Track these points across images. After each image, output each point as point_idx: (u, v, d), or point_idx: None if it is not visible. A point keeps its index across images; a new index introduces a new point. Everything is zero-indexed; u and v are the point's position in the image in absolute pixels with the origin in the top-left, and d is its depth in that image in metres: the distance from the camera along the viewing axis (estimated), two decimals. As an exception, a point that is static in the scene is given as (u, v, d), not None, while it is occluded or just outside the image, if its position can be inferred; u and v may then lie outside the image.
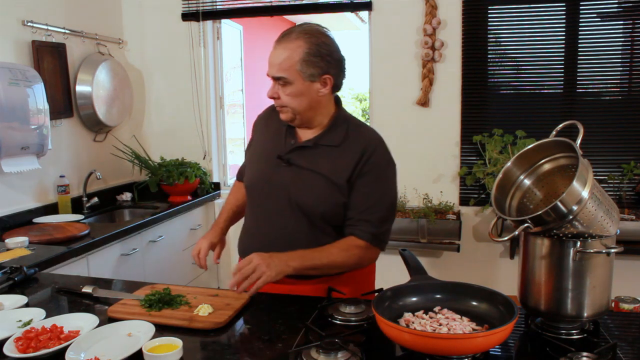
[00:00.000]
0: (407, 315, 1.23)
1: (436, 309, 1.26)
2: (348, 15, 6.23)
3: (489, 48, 3.09)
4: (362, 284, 1.64)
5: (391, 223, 1.62)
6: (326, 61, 1.50)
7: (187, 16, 3.46)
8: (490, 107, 3.13)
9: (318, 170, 1.55)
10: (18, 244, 2.18)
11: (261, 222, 1.63)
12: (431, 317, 1.23)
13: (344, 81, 1.60)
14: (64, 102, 2.97)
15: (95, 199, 3.11)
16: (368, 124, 1.81)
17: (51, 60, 2.86)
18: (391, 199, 1.61)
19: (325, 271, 1.54)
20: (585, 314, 1.22)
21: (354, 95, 13.64)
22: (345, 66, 1.59)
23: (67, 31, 2.98)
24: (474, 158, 3.10)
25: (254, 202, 1.66)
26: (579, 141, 1.22)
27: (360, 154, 1.56)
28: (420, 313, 1.25)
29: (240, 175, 1.83)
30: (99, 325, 1.29)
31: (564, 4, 2.94)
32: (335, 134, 1.58)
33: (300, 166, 1.57)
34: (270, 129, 1.68)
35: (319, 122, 1.59)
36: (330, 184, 1.54)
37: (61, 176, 2.91)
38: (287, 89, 1.51)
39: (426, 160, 3.19)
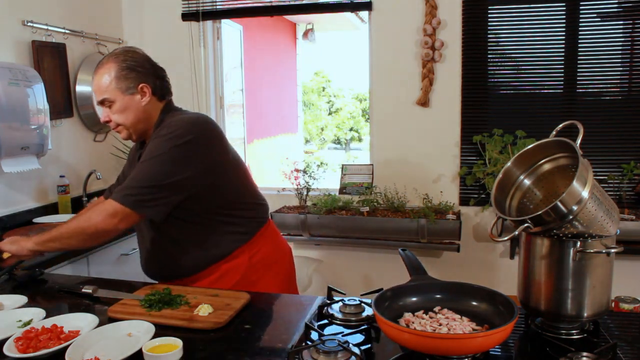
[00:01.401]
0: (407, 315, 1.23)
1: (436, 309, 1.26)
2: (348, 15, 6.24)
3: (489, 48, 3.08)
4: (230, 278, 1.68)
5: (154, 192, 1.51)
6: (137, 72, 1.64)
7: (187, 16, 3.46)
8: (490, 107, 3.13)
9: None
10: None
11: (140, 243, 1.79)
12: (431, 317, 1.23)
13: (168, 86, 1.75)
14: (64, 102, 2.97)
15: (95, 199, 3.11)
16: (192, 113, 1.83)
17: (51, 60, 2.86)
18: (153, 168, 1.53)
19: (63, 242, 1.55)
20: (585, 314, 1.22)
21: (354, 95, 13.65)
22: (162, 73, 1.73)
23: (67, 31, 2.99)
24: (474, 158, 3.10)
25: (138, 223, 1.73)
26: (579, 141, 1.22)
27: (153, 136, 1.63)
28: (420, 313, 1.25)
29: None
30: (99, 325, 1.29)
31: (564, 4, 2.94)
32: (154, 133, 1.65)
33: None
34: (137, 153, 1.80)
35: (151, 132, 1.68)
36: None
37: (61, 176, 2.91)
38: (114, 108, 1.64)
39: (426, 160, 3.19)
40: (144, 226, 1.71)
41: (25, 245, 1.59)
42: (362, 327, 1.27)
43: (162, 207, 1.54)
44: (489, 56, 3.09)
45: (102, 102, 1.65)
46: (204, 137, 1.60)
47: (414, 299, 1.29)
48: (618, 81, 2.98)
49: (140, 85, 1.64)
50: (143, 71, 1.66)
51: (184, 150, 1.54)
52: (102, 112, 1.68)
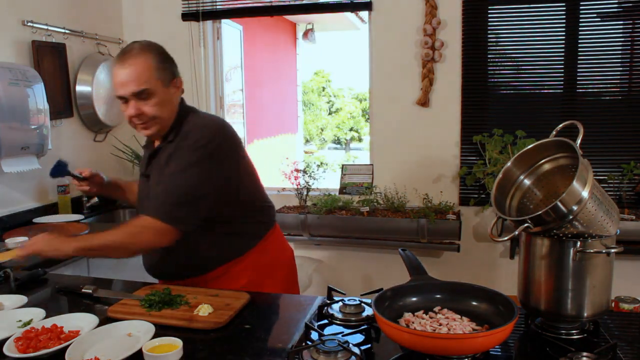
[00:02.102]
0: (407, 315, 1.23)
1: (436, 309, 1.26)
2: (348, 15, 6.24)
3: (489, 48, 3.08)
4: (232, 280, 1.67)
5: (189, 206, 1.53)
6: (172, 64, 1.61)
7: (187, 16, 3.46)
8: (490, 107, 3.13)
9: (162, 172, 1.59)
10: (18, 244, 2.17)
11: None
12: (431, 317, 1.23)
13: None
14: (64, 102, 2.97)
15: (95, 199, 3.11)
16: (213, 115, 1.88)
17: (51, 60, 2.86)
18: (187, 182, 1.52)
19: (106, 252, 1.59)
20: (585, 314, 1.22)
21: (354, 95, 13.65)
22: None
23: (67, 31, 2.99)
24: (474, 158, 3.10)
25: None
26: (579, 141, 1.22)
27: (178, 142, 1.58)
28: (420, 313, 1.25)
29: None
30: (99, 325, 1.29)
31: (564, 4, 2.94)
32: (173, 130, 1.63)
33: (154, 175, 1.65)
34: (144, 154, 1.79)
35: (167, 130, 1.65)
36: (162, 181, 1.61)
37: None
38: (152, 101, 1.55)
39: (426, 160, 3.19)
40: None
41: (65, 250, 1.52)
42: (362, 327, 1.27)
43: (197, 220, 1.55)
44: (489, 56, 3.09)
45: (138, 94, 1.52)
46: (228, 142, 1.60)
47: (414, 299, 1.29)
48: (618, 81, 2.98)
49: (176, 79, 1.61)
50: (175, 64, 1.63)
51: (213, 159, 1.54)
52: (129, 106, 1.55)
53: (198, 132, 1.56)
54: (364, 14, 3.32)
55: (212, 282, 1.65)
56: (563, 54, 2.96)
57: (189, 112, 1.65)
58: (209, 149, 1.53)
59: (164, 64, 1.57)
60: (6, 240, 2.20)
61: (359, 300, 1.38)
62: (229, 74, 3.80)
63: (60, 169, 1.85)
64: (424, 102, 3.12)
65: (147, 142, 1.76)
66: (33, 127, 2.57)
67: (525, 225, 1.19)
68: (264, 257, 1.73)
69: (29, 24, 2.72)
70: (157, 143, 1.69)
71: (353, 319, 1.31)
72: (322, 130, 13.36)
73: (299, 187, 3.21)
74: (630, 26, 2.93)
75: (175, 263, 1.66)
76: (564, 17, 2.95)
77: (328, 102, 13.67)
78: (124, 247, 1.53)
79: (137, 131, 1.65)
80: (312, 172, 3.21)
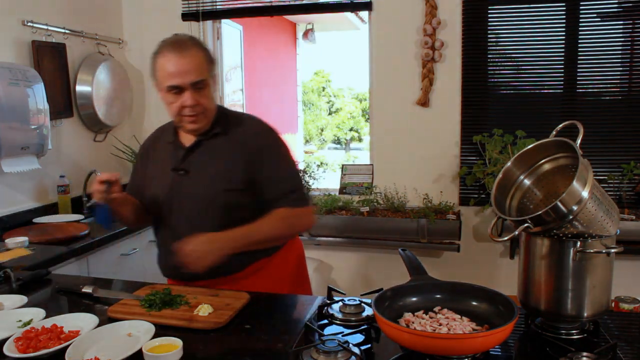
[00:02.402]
0: (407, 315, 1.23)
1: (436, 309, 1.26)
2: (348, 15, 6.24)
3: (489, 48, 3.08)
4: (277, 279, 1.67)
5: (303, 186, 1.71)
6: (215, 62, 1.63)
7: (187, 16, 3.46)
8: (490, 107, 3.13)
9: (215, 166, 1.60)
10: (18, 244, 2.18)
11: (183, 237, 1.55)
12: (431, 317, 1.23)
13: None
14: (64, 102, 2.97)
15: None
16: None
17: (51, 60, 2.86)
18: (293, 167, 1.69)
19: (264, 245, 1.62)
20: (585, 314, 1.22)
21: (354, 95, 13.64)
22: None
23: (67, 31, 2.98)
24: (474, 158, 3.10)
25: (170, 220, 1.65)
26: (579, 141, 1.22)
27: (248, 141, 1.61)
28: (420, 313, 1.25)
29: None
30: (99, 325, 1.29)
31: (564, 4, 2.94)
32: (215, 126, 1.62)
33: (193, 170, 1.62)
34: (159, 150, 1.73)
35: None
36: (224, 175, 1.59)
37: (61, 176, 2.91)
38: (205, 92, 1.55)
39: (426, 160, 3.19)
40: (187, 223, 1.59)
41: (226, 252, 1.48)
42: (362, 327, 1.27)
43: None
44: (489, 56, 3.09)
45: (196, 84, 1.52)
46: None
47: (414, 299, 1.29)
48: (618, 81, 2.98)
49: (216, 76, 1.65)
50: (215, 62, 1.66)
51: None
52: (187, 95, 1.52)
53: (264, 124, 1.66)
54: (364, 14, 3.32)
55: (237, 282, 1.61)
56: (563, 54, 2.96)
57: (224, 108, 1.71)
58: (279, 135, 1.67)
59: (211, 59, 1.60)
60: (6, 240, 2.20)
61: (359, 300, 1.37)
62: (229, 74, 3.80)
63: (104, 212, 1.65)
64: (424, 102, 3.12)
65: (171, 137, 1.68)
66: (33, 127, 2.57)
67: (525, 225, 1.19)
68: (290, 255, 1.74)
69: (29, 24, 2.72)
70: (188, 138, 1.64)
71: (353, 319, 1.31)
72: (322, 130, 13.35)
73: (299, 187, 3.20)
74: (630, 26, 2.93)
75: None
76: (564, 17, 2.95)
77: (328, 102, 13.67)
78: (284, 237, 1.68)
79: (180, 124, 1.60)
80: (312, 172, 3.21)
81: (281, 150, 1.65)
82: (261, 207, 1.58)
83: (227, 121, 1.64)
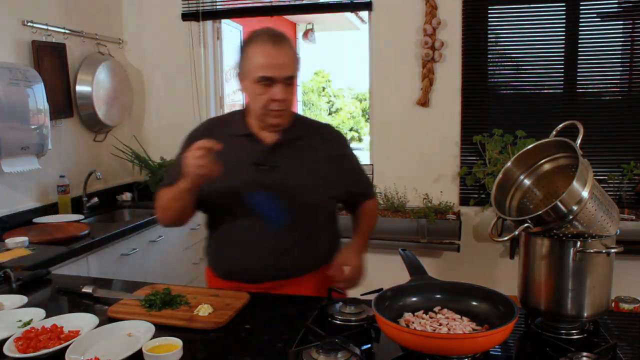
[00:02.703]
0: (407, 315, 1.23)
1: (436, 309, 1.26)
2: (348, 15, 6.24)
3: (489, 48, 3.09)
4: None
5: None
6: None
7: (187, 16, 3.46)
8: (490, 107, 3.13)
9: (302, 165, 1.60)
10: (18, 244, 2.18)
11: (261, 234, 1.56)
12: (431, 317, 1.23)
13: None
14: (64, 102, 2.97)
15: (95, 199, 3.11)
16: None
17: (51, 60, 2.86)
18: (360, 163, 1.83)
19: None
20: (585, 314, 1.22)
21: (354, 95, 13.64)
22: None
23: (67, 31, 2.98)
24: (474, 158, 3.10)
25: (243, 216, 1.57)
26: (579, 141, 1.22)
27: (330, 140, 1.69)
28: (420, 313, 1.24)
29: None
30: (99, 325, 1.28)
31: (564, 4, 2.94)
32: (297, 127, 1.62)
33: (280, 166, 1.58)
34: (220, 143, 1.54)
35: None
36: (317, 174, 1.60)
37: (61, 176, 2.91)
38: (292, 89, 1.53)
39: (426, 160, 3.19)
40: (268, 220, 1.55)
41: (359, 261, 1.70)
42: (362, 327, 1.26)
43: None
44: (489, 56, 3.09)
45: (288, 79, 1.49)
46: None
47: (414, 299, 1.29)
48: (618, 81, 2.99)
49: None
50: None
51: None
52: (279, 89, 1.48)
53: (337, 131, 1.79)
54: (364, 14, 3.31)
55: (294, 285, 1.59)
56: (563, 54, 2.97)
57: (296, 112, 1.73)
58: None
59: (298, 58, 1.57)
60: (6, 240, 2.20)
61: (359, 300, 1.37)
62: (229, 74, 3.80)
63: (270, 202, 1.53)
64: (424, 102, 3.12)
65: (240, 130, 1.59)
66: (33, 127, 2.57)
67: (525, 225, 1.19)
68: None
69: (29, 24, 2.72)
70: (266, 134, 1.59)
71: (353, 319, 1.31)
72: (322, 130, 13.31)
73: (299, 187, 3.21)
74: (630, 26, 2.93)
75: (289, 262, 1.59)
76: (564, 17, 2.95)
77: (328, 102, 13.66)
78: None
79: (263, 118, 1.54)
80: (312, 172, 3.20)
81: (349, 148, 1.78)
82: (334, 207, 1.72)
83: (306, 124, 1.68)
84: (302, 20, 7.15)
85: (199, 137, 1.53)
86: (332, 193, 1.64)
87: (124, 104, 3.41)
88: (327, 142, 1.67)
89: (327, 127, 1.75)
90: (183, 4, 3.46)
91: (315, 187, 1.58)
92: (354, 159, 1.77)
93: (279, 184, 1.55)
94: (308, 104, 12.89)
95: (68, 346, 1.16)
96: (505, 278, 3.12)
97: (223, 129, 1.64)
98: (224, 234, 1.63)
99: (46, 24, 2.82)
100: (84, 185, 3.06)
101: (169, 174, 1.71)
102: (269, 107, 1.51)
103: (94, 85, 3.08)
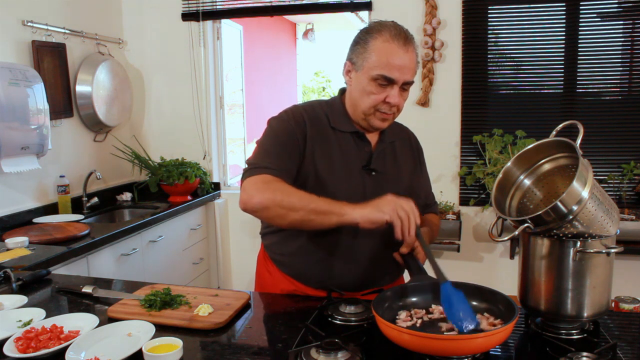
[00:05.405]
0: (406, 315, 1.23)
1: (434, 308, 1.26)
2: (348, 15, 6.23)
3: (489, 48, 3.09)
4: None
5: None
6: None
7: (187, 16, 3.46)
8: (490, 107, 3.13)
9: (401, 171, 1.57)
10: (18, 244, 2.18)
11: (358, 238, 1.45)
12: (431, 318, 1.23)
13: None
14: (64, 102, 2.97)
15: (95, 199, 3.11)
16: None
17: (51, 60, 2.86)
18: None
19: None
20: (585, 314, 1.22)
21: (354, 95, 13.62)
22: None
23: (67, 31, 2.99)
24: (474, 158, 3.10)
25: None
26: (579, 141, 1.22)
27: (415, 144, 1.67)
28: (418, 310, 1.25)
29: (280, 173, 1.40)
30: (99, 325, 1.28)
31: (564, 4, 2.95)
32: (389, 129, 1.54)
33: (384, 172, 1.51)
34: (324, 136, 1.48)
35: None
36: (411, 180, 1.59)
37: (61, 176, 2.91)
38: (406, 94, 1.44)
39: (426, 160, 3.18)
40: (352, 232, 1.43)
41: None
42: (362, 327, 1.26)
43: None
44: (489, 56, 3.09)
45: (407, 84, 1.41)
46: None
47: (414, 299, 1.29)
48: (618, 81, 2.99)
49: None
50: None
51: None
52: (396, 92, 1.39)
53: (412, 132, 1.71)
54: (364, 14, 3.32)
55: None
56: (563, 54, 2.97)
57: None
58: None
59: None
60: (6, 240, 2.20)
61: (359, 300, 1.37)
62: (229, 74, 3.80)
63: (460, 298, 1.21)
64: (424, 102, 3.12)
65: (347, 127, 1.49)
66: (33, 127, 2.57)
67: (525, 225, 1.19)
68: None
69: (29, 24, 2.72)
70: (371, 136, 1.51)
71: (353, 319, 1.31)
72: (322, 130, 13.32)
73: (299, 187, 3.20)
74: (630, 26, 2.93)
75: (373, 273, 1.51)
76: (564, 17, 2.95)
77: (328, 102, 13.66)
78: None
79: (368, 118, 1.44)
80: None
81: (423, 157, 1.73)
82: None
83: (393, 125, 1.55)
84: (302, 20, 7.15)
85: (303, 122, 1.45)
86: (420, 201, 1.54)
87: (124, 104, 3.41)
88: (413, 146, 1.65)
89: (409, 131, 1.69)
90: (183, 4, 3.46)
91: (412, 195, 1.41)
92: (424, 166, 1.72)
93: (389, 191, 1.36)
94: (308, 104, 12.85)
95: (68, 346, 1.16)
96: (505, 278, 3.13)
97: (328, 119, 1.49)
98: (317, 240, 1.48)
99: (46, 24, 2.82)
100: (84, 185, 3.06)
101: (267, 158, 1.42)
102: (379, 108, 1.41)
103: (94, 85, 3.08)
